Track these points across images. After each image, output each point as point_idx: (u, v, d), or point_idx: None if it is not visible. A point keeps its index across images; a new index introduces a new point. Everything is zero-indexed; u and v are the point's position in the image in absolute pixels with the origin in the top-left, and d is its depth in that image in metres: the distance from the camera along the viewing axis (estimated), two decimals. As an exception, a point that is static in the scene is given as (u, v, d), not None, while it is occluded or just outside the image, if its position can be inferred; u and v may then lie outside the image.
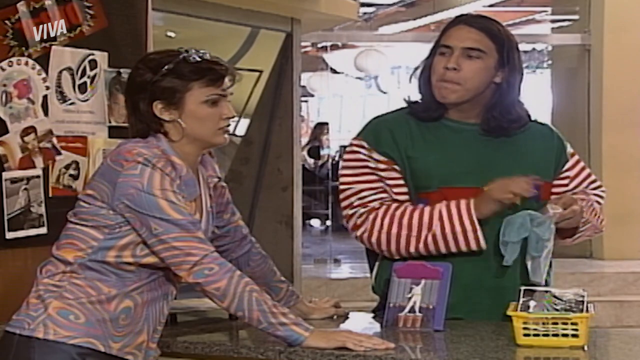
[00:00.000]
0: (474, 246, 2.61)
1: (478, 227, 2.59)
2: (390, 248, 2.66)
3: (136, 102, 2.36)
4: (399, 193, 2.68)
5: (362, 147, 2.72)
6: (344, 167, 2.75)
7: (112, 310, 2.31)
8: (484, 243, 2.60)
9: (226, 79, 2.38)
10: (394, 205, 2.67)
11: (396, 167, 2.68)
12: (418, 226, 2.63)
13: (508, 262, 2.59)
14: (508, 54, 2.69)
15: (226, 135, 2.41)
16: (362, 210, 2.68)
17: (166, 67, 2.33)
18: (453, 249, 2.62)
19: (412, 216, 2.63)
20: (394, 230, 2.64)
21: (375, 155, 2.69)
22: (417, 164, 2.67)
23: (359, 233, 2.69)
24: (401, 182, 2.68)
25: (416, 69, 2.76)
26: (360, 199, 2.70)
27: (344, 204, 2.73)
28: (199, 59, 2.35)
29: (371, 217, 2.67)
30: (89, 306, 2.30)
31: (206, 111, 2.35)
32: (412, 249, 2.64)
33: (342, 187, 2.73)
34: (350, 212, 2.71)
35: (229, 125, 2.41)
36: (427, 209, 2.63)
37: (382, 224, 2.65)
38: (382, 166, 2.69)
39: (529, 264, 2.62)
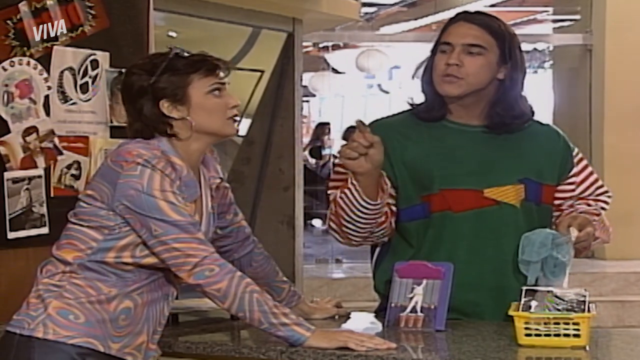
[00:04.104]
0: (359, 199, 2.55)
1: (354, 180, 2.52)
2: (338, 230, 2.65)
3: (140, 107, 2.36)
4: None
5: None
6: (332, 172, 2.77)
7: (112, 310, 2.31)
8: (366, 195, 2.54)
9: (221, 70, 2.39)
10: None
11: (383, 172, 2.66)
12: (337, 198, 2.62)
13: (531, 282, 2.55)
14: (510, 50, 2.69)
15: (234, 126, 2.41)
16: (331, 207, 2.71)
17: (162, 65, 2.34)
18: (352, 206, 2.56)
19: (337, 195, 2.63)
20: (331, 212, 2.65)
21: None
22: (418, 166, 2.67)
23: (327, 228, 2.72)
24: (386, 187, 2.66)
25: (418, 67, 2.76)
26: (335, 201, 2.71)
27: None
28: (188, 54, 2.37)
29: (329, 210, 2.68)
30: (88, 306, 2.29)
31: (213, 101, 2.36)
32: (343, 222, 2.62)
33: (328, 191, 2.75)
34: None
35: (236, 114, 2.41)
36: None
37: (330, 212, 2.66)
38: None
39: (542, 283, 2.56)
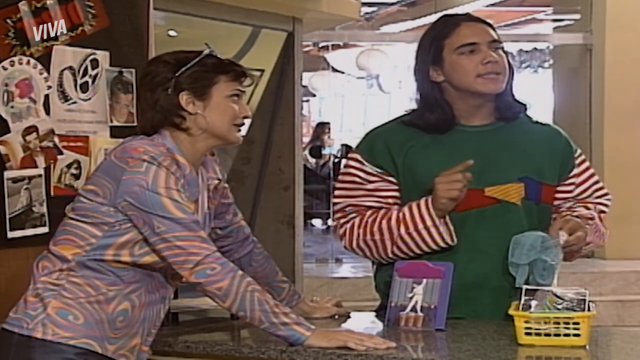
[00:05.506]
0: (439, 241, 2.60)
1: (438, 222, 2.58)
2: (373, 254, 2.69)
3: (157, 96, 2.36)
4: (390, 203, 2.70)
5: (356, 160, 2.75)
6: (338, 181, 2.79)
7: (110, 311, 2.31)
8: (450, 238, 2.60)
9: (246, 79, 2.43)
10: (368, 212, 2.69)
11: (391, 178, 2.69)
12: (388, 229, 2.64)
13: (519, 284, 2.53)
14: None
15: (239, 134, 2.43)
16: (343, 221, 2.73)
17: (194, 60, 2.36)
18: (424, 246, 2.62)
19: (382, 221, 2.66)
20: (369, 237, 2.67)
21: (368, 168, 2.71)
22: (419, 168, 2.67)
23: (343, 243, 2.75)
24: (392, 192, 2.69)
25: (418, 73, 2.75)
26: (344, 212, 2.73)
27: (334, 216, 2.78)
28: (220, 57, 2.41)
29: (348, 226, 2.71)
30: (87, 306, 2.29)
31: (229, 105, 2.38)
32: (389, 252, 2.66)
33: (334, 200, 2.78)
34: (335, 223, 2.77)
35: (244, 124, 2.43)
36: (394, 212, 2.65)
37: (358, 234, 2.69)
38: (372, 178, 2.71)
39: (532, 285, 2.56)
